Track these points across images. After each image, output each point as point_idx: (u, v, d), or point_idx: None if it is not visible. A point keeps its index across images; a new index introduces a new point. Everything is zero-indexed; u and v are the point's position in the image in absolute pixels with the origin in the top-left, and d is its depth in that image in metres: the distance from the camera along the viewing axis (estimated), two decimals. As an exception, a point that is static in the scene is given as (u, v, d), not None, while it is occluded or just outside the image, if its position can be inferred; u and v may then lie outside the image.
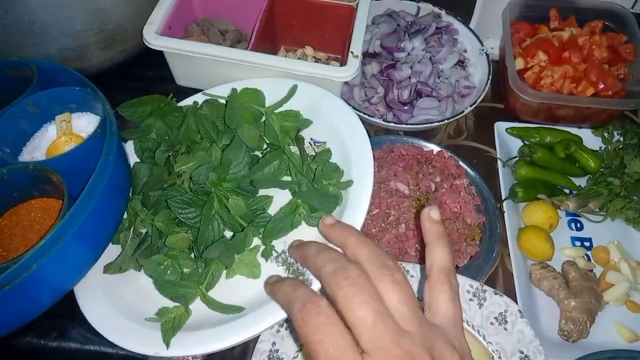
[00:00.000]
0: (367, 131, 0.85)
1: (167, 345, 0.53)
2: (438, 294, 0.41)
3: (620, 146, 0.83)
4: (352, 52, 0.71)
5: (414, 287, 0.64)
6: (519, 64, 0.87)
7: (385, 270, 0.40)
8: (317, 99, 0.68)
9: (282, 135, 0.63)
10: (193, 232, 0.58)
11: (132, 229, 0.61)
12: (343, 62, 0.72)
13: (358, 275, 0.39)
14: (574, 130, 0.86)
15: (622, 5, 0.90)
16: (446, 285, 0.41)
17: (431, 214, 0.45)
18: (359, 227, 0.57)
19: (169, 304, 0.57)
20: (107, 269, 0.60)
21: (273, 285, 0.45)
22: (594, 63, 0.85)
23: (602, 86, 0.84)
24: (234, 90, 0.65)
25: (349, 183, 0.59)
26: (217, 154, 0.61)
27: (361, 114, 0.82)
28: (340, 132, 0.64)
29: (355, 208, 0.58)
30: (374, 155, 0.79)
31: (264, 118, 0.66)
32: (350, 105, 0.82)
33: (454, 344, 0.39)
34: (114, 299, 0.59)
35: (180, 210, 0.57)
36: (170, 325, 0.54)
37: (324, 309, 0.38)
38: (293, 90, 0.67)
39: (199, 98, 0.73)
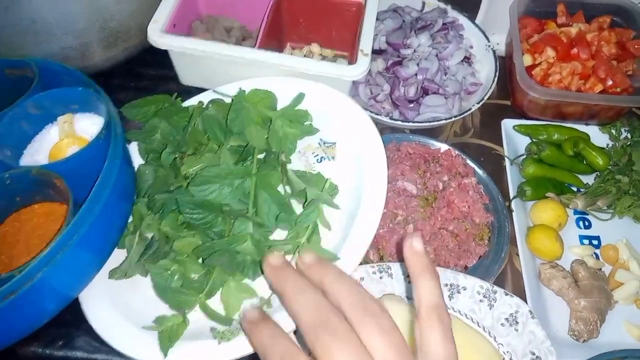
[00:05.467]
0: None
1: (165, 354, 0.52)
2: (429, 334, 0.39)
3: (628, 143, 0.83)
4: (361, 50, 0.70)
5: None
6: (527, 60, 0.86)
7: (368, 315, 0.38)
8: (327, 98, 0.67)
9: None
10: (201, 236, 0.57)
11: (137, 233, 0.60)
12: (351, 60, 0.71)
13: (338, 324, 0.37)
14: (581, 127, 0.85)
15: (630, 0, 0.89)
16: (436, 323, 0.39)
17: (414, 244, 0.42)
18: (376, 225, 0.56)
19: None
20: (113, 274, 0.59)
21: (250, 326, 0.41)
22: (603, 59, 0.84)
23: (610, 83, 0.83)
24: (241, 91, 0.64)
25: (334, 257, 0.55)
26: (225, 156, 0.60)
27: (367, 112, 0.81)
28: (351, 134, 0.63)
29: (370, 213, 0.56)
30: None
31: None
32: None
33: None
34: (120, 305, 0.57)
35: (189, 211, 0.56)
36: (167, 334, 0.52)
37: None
38: (299, 98, 0.65)
39: (204, 97, 0.71)
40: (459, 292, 0.64)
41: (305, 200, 0.55)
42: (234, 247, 0.52)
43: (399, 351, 0.37)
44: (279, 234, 0.58)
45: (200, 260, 0.56)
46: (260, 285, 0.54)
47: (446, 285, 0.64)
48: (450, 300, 0.63)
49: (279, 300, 0.44)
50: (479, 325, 0.63)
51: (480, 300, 0.64)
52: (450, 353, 0.38)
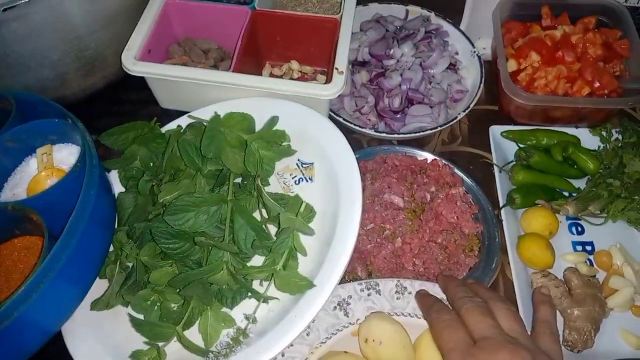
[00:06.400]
0: (360, 141, 0.85)
1: None
2: (540, 336, 0.54)
3: (619, 145, 0.81)
4: (336, 69, 0.69)
5: (411, 304, 0.62)
6: (512, 65, 0.85)
7: (503, 303, 0.54)
8: (304, 119, 0.66)
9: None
10: (178, 265, 0.56)
11: (118, 263, 0.60)
12: (328, 78, 0.70)
13: (480, 301, 0.53)
14: (571, 131, 0.83)
15: (615, 0, 0.87)
16: (547, 330, 0.55)
17: (542, 290, 0.65)
18: (350, 250, 0.55)
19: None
20: (94, 305, 0.59)
21: (421, 297, 0.60)
22: (589, 61, 0.83)
23: (597, 85, 0.82)
24: (215, 116, 0.63)
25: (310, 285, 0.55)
26: (200, 182, 0.59)
27: (352, 126, 0.81)
28: (328, 155, 0.62)
29: (346, 233, 0.56)
30: (367, 167, 0.78)
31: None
32: (341, 116, 0.81)
33: None
34: (102, 337, 0.57)
35: (165, 241, 0.56)
36: None
37: (453, 314, 0.53)
38: (273, 122, 0.65)
39: (183, 121, 0.71)
40: (449, 306, 0.63)
41: (279, 227, 0.55)
42: (208, 277, 0.51)
43: (522, 326, 0.51)
44: (259, 259, 0.58)
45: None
46: (238, 314, 0.54)
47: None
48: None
49: (443, 291, 0.60)
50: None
51: (470, 314, 0.63)
52: (557, 349, 0.52)
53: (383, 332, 0.58)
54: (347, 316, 0.62)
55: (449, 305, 0.58)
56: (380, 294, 0.63)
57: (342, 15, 0.76)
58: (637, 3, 0.87)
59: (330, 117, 0.80)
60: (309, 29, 0.80)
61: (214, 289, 0.53)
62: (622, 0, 0.88)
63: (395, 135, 0.82)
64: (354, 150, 0.77)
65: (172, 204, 0.55)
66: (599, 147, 0.83)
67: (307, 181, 0.64)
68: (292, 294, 0.53)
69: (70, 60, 0.72)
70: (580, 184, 0.81)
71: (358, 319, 0.62)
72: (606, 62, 0.84)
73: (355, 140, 0.85)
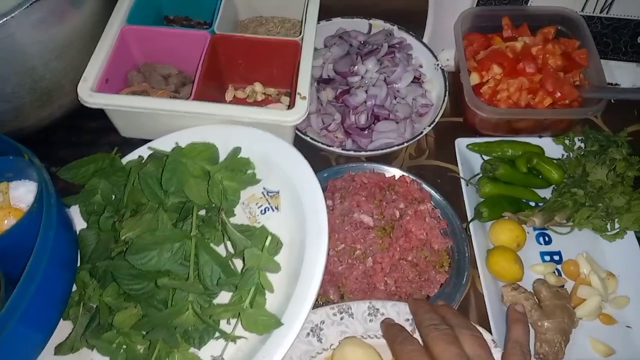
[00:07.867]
0: (328, 159, 0.84)
1: None
2: (510, 357, 0.54)
3: (582, 153, 0.82)
4: (299, 94, 0.68)
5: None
6: (474, 79, 0.85)
7: (468, 330, 0.54)
8: (268, 146, 0.65)
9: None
10: (143, 305, 0.55)
11: (82, 304, 0.58)
12: (291, 102, 0.70)
13: (446, 329, 0.53)
14: (535, 140, 0.84)
15: (572, 10, 0.88)
16: (517, 350, 0.55)
17: (517, 307, 0.63)
18: (318, 284, 0.55)
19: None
20: (58, 350, 0.57)
21: (386, 327, 0.60)
22: (549, 72, 0.84)
23: (558, 95, 0.83)
24: (176, 148, 0.62)
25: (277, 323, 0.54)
26: (162, 218, 0.58)
27: (319, 144, 0.80)
28: (293, 183, 0.62)
29: (313, 266, 0.55)
30: (335, 186, 0.78)
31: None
32: (309, 135, 0.80)
33: None
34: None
35: (127, 282, 0.54)
36: None
37: (417, 344, 0.54)
38: (236, 152, 0.64)
39: (146, 151, 0.70)
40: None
41: (244, 265, 0.54)
42: (171, 321, 0.50)
43: (487, 353, 0.52)
44: (226, 295, 0.57)
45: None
46: (206, 355, 0.53)
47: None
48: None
49: (412, 315, 0.61)
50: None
51: (442, 333, 0.63)
52: None
53: (356, 357, 0.58)
54: (321, 342, 0.61)
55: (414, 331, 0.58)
56: (353, 317, 0.63)
57: (302, 37, 0.75)
58: (593, 12, 0.89)
59: (298, 137, 0.79)
60: (270, 52, 0.79)
61: (180, 330, 0.52)
62: (579, 9, 0.89)
63: (363, 152, 0.82)
64: (322, 169, 0.78)
65: (134, 243, 0.54)
66: (562, 155, 0.84)
67: (273, 210, 0.63)
68: (259, 334, 0.52)
69: (24, 92, 0.69)
70: (546, 193, 0.82)
71: (332, 344, 0.61)
72: (566, 72, 0.85)
73: (324, 158, 0.85)
